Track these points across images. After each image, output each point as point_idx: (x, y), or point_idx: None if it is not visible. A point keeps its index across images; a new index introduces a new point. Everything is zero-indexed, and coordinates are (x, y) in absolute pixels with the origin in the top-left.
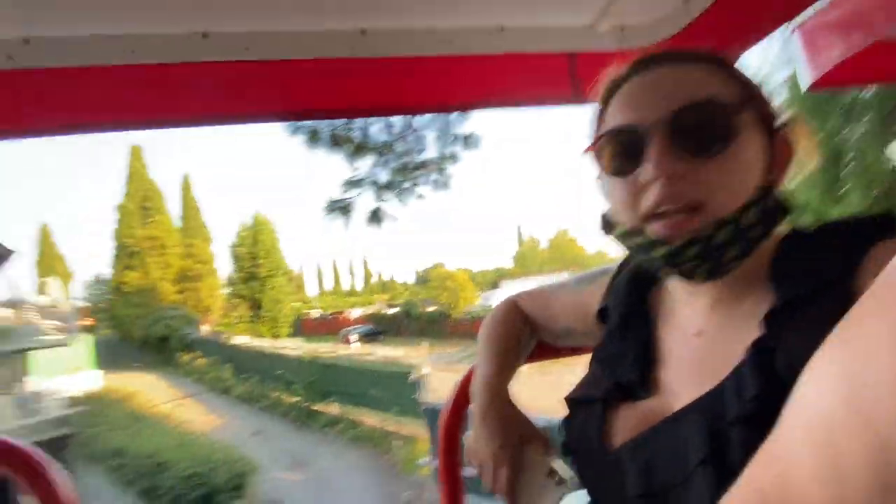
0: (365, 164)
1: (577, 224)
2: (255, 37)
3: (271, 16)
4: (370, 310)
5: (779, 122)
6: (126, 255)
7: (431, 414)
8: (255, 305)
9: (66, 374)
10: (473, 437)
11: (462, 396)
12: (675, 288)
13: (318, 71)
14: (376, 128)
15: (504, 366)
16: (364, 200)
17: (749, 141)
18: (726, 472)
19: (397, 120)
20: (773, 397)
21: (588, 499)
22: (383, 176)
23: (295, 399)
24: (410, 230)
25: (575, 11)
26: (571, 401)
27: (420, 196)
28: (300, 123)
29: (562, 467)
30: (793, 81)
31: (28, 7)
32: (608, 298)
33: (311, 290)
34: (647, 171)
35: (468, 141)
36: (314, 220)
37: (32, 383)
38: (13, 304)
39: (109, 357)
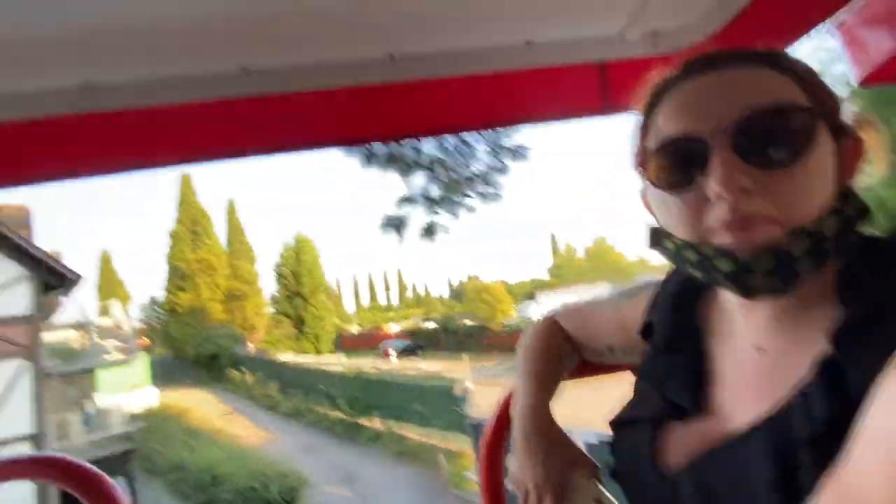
0: (418, 179)
1: (616, 231)
2: (290, 70)
3: (304, 49)
4: (407, 324)
5: (847, 119)
6: (178, 277)
7: (478, 429)
8: (299, 322)
9: (127, 391)
10: (516, 463)
11: (505, 413)
12: (727, 302)
13: (351, 98)
14: (429, 143)
15: (545, 387)
16: (419, 215)
17: (822, 145)
18: (794, 496)
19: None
20: (844, 419)
21: None
22: (435, 190)
23: (339, 414)
24: (444, 242)
25: (603, 20)
26: (618, 422)
27: (471, 209)
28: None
29: (608, 497)
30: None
31: (86, 56)
32: (652, 313)
33: (349, 306)
34: (711, 186)
35: (517, 153)
36: (351, 237)
37: (98, 401)
38: (80, 325)
39: (164, 375)
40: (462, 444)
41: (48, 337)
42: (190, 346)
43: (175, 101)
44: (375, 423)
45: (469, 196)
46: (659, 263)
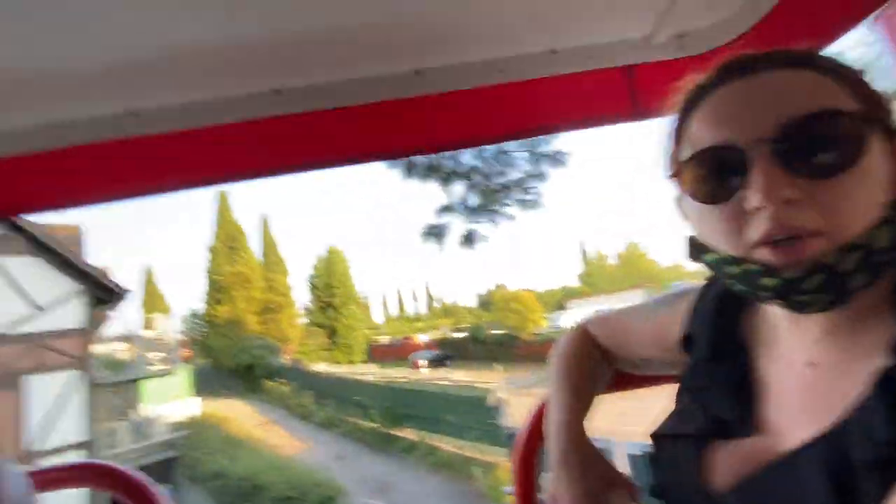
0: (458, 188)
1: (649, 236)
2: (320, 88)
3: (333, 68)
4: (436, 334)
5: None
6: (216, 290)
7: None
8: (332, 333)
9: (170, 401)
10: (552, 482)
11: (537, 424)
12: (775, 314)
13: (380, 113)
14: (467, 153)
15: (579, 402)
16: (459, 224)
17: (872, 151)
18: None
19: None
20: None
21: None
22: (474, 199)
23: (371, 424)
24: (470, 251)
25: (629, 23)
26: (659, 437)
27: (510, 217)
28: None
29: None
30: None
31: (129, 84)
32: (692, 324)
33: (377, 316)
34: (752, 198)
35: (555, 159)
36: (379, 248)
37: (143, 410)
38: (126, 338)
39: (204, 385)
40: (497, 455)
41: (97, 349)
42: (228, 357)
43: (211, 122)
44: (408, 433)
45: (508, 204)
46: (695, 270)
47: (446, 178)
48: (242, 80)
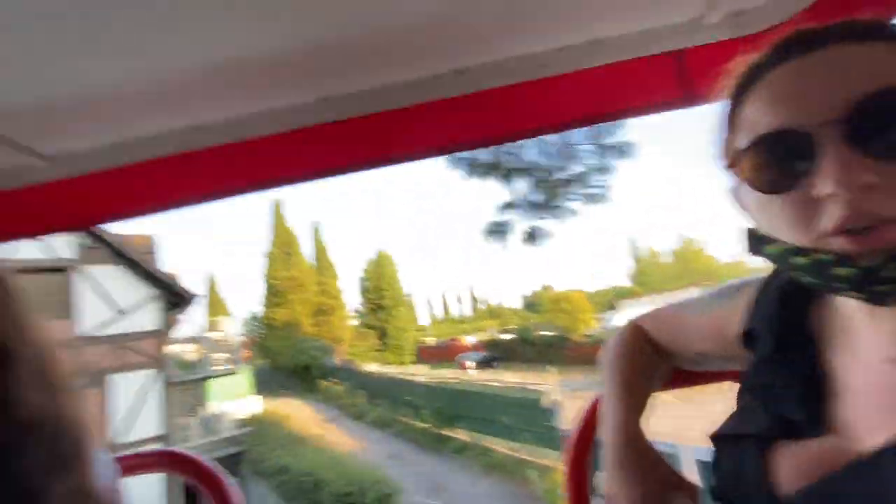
0: (520, 185)
1: (706, 231)
2: (363, 94)
3: (374, 73)
4: (483, 336)
5: None
6: (273, 294)
7: None
8: (382, 334)
9: (234, 399)
10: (608, 483)
11: (587, 426)
12: (848, 307)
13: (420, 115)
14: (532, 149)
15: (635, 401)
16: (519, 221)
17: None
18: None
19: (549, 137)
20: None
21: None
22: (536, 195)
23: (424, 424)
24: (514, 251)
25: (678, 6)
26: (719, 437)
27: (574, 212)
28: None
29: None
30: None
31: (194, 101)
32: (754, 318)
33: (423, 318)
34: (824, 184)
35: (621, 151)
36: (423, 251)
37: (210, 407)
38: (194, 340)
39: (263, 384)
40: (552, 458)
41: (170, 350)
42: (285, 358)
43: (262, 133)
44: (460, 434)
45: (572, 199)
46: (758, 266)
47: (507, 174)
48: (288, 90)
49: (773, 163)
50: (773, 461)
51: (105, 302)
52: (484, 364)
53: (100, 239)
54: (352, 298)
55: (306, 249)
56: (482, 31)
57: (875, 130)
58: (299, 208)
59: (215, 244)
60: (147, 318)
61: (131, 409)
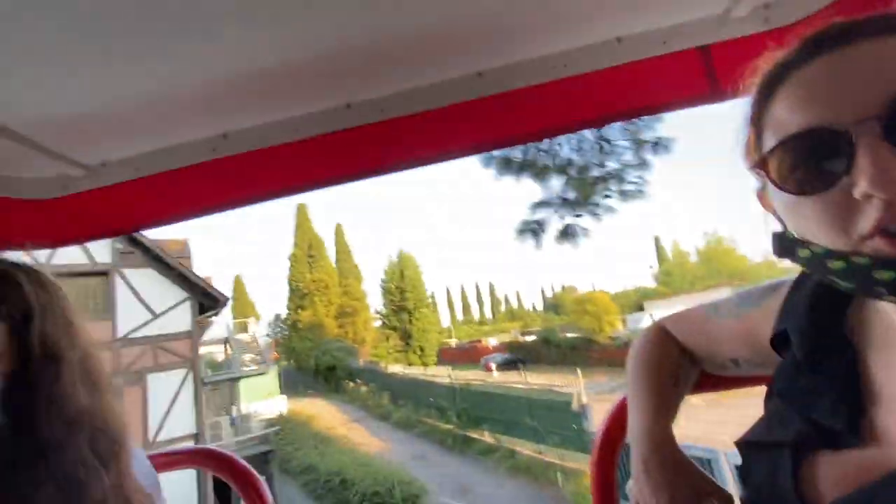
0: (555, 182)
1: (736, 228)
2: (388, 98)
3: (399, 78)
4: (506, 338)
5: None
6: (298, 296)
7: None
8: (405, 336)
9: (262, 399)
10: (636, 490)
11: (614, 427)
12: (888, 311)
13: (446, 117)
14: (566, 146)
15: (663, 406)
16: (556, 219)
17: None
18: None
19: (585, 134)
20: None
21: None
22: (571, 193)
23: (448, 425)
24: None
25: (705, 1)
26: (749, 444)
27: (610, 209)
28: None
29: None
30: None
31: (225, 110)
32: (786, 320)
33: (443, 320)
34: (862, 184)
35: (657, 146)
36: (444, 251)
37: (241, 407)
38: (223, 341)
39: (289, 385)
40: (580, 461)
41: (201, 351)
42: (310, 359)
43: (290, 139)
44: (485, 435)
45: (608, 195)
46: (793, 266)
47: (541, 172)
48: (315, 97)
49: (804, 163)
50: (808, 470)
51: (141, 304)
52: (508, 366)
53: (136, 243)
54: (375, 300)
55: (330, 252)
56: (505, 32)
57: None
58: (323, 210)
59: (242, 247)
60: (180, 319)
61: (166, 408)
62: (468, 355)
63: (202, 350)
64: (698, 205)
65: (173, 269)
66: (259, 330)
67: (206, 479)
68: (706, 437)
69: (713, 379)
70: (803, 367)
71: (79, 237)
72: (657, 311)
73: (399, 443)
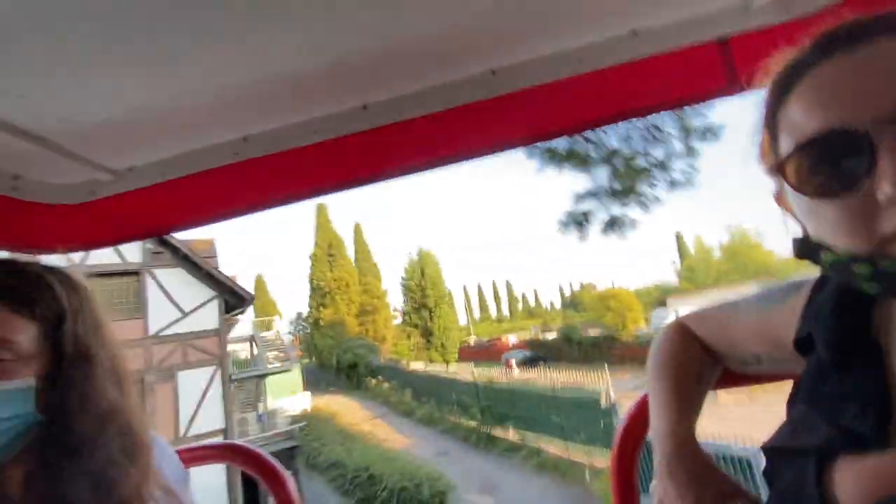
0: (600, 173)
1: (762, 223)
2: (403, 99)
3: (413, 79)
4: (525, 335)
5: None
6: (319, 295)
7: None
8: (426, 333)
9: (286, 396)
10: (662, 492)
11: (634, 426)
12: None
13: (464, 116)
14: (613, 135)
15: (686, 406)
16: (601, 211)
17: None
18: None
19: (634, 122)
20: None
21: None
22: (617, 183)
23: (472, 423)
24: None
25: None
26: (775, 449)
27: (657, 199)
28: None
29: None
30: None
31: (245, 113)
32: (810, 321)
33: (461, 318)
34: (885, 187)
35: (706, 134)
36: (461, 249)
37: (267, 403)
38: (249, 339)
39: (312, 382)
40: (609, 459)
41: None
42: (332, 356)
43: (308, 142)
44: (510, 433)
45: (655, 185)
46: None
47: (585, 162)
48: (333, 98)
49: (824, 166)
50: (836, 476)
51: (171, 302)
52: (529, 363)
53: (165, 243)
54: (395, 298)
55: (350, 250)
56: (519, 29)
57: None
58: (343, 209)
59: (263, 247)
60: (208, 317)
61: (196, 404)
62: (488, 353)
63: (229, 348)
64: (722, 197)
65: (201, 268)
66: (283, 328)
67: (235, 473)
68: (741, 436)
69: (735, 375)
70: (829, 371)
71: (107, 241)
72: (682, 308)
73: (423, 439)
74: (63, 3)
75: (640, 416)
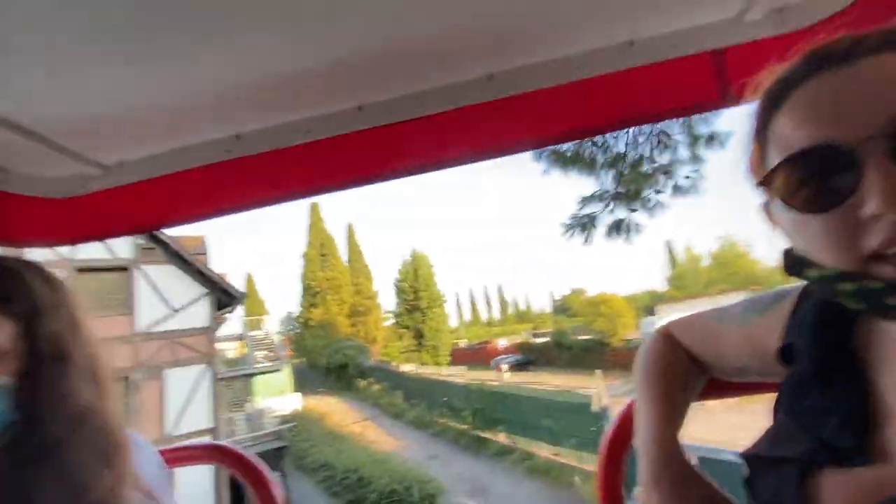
0: (605, 177)
1: (750, 232)
2: (399, 102)
3: (409, 81)
4: (516, 339)
5: None
6: (310, 294)
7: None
8: (418, 335)
9: (276, 396)
10: (646, 499)
11: (620, 432)
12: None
13: (459, 120)
14: (620, 140)
15: (672, 414)
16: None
17: None
18: None
19: (638, 129)
20: None
21: None
22: (623, 187)
23: (463, 425)
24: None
25: (716, 4)
26: (755, 458)
27: (662, 205)
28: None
29: None
30: None
31: (238, 111)
32: (793, 333)
33: (452, 321)
34: (870, 203)
35: (711, 141)
36: (451, 252)
37: (255, 403)
38: (238, 337)
39: (301, 382)
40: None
41: (217, 347)
42: (322, 357)
43: (303, 140)
44: (500, 436)
45: (660, 191)
46: None
47: (590, 166)
48: (328, 98)
49: (810, 181)
50: (816, 489)
51: (160, 299)
52: (519, 367)
53: (156, 240)
54: (386, 299)
55: (342, 251)
56: (516, 35)
57: None
58: (336, 210)
59: (253, 245)
60: (197, 315)
61: (183, 403)
62: (478, 356)
63: (218, 346)
64: (711, 207)
65: (192, 265)
66: (272, 327)
67: (223, 473)
68: (730, 442)
69: (720, 385)
70: (810, 383)
71: (96, 235)
72: (671, 315)
73: (413, 442)
74: None
75: (626, 422)
